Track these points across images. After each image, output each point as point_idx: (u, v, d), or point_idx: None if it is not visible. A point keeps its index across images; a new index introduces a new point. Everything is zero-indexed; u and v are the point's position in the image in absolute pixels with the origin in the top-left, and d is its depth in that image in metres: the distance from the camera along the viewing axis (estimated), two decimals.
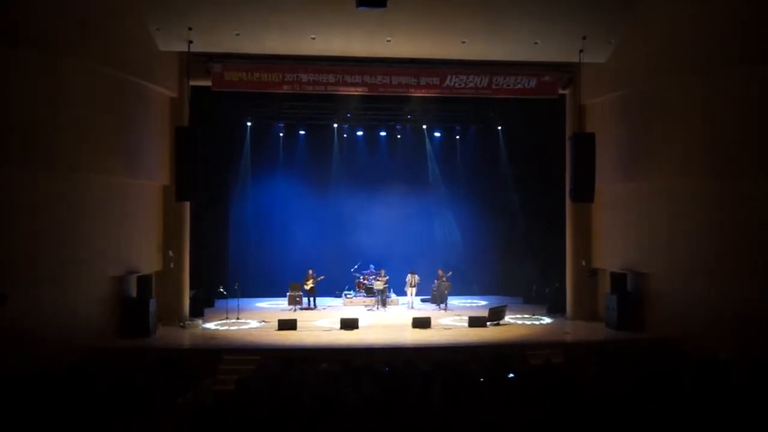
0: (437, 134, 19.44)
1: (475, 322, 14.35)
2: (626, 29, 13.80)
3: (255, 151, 18.82)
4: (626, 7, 13.36)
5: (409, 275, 17.18)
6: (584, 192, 13.64)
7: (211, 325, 14.49)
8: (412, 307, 17.07)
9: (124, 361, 10.66)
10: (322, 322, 14.89)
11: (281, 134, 18.84)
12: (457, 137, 19.57)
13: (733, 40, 11.95)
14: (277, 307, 17.30)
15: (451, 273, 17.18)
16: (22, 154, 10.90)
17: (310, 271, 16.99)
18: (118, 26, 12.75)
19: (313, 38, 13.59)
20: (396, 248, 18.87)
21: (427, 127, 19.21)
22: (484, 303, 17.88)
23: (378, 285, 17.07)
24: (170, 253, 14.66)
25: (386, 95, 15.76)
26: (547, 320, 15.33)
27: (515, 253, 18.95)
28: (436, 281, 17.45)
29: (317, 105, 17.54)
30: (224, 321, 14.81)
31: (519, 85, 15.07)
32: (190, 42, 13.31)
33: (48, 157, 11.36)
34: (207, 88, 14.57)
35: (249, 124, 18.36)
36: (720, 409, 6.82)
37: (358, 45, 14.02)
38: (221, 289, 15.69)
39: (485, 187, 19.65)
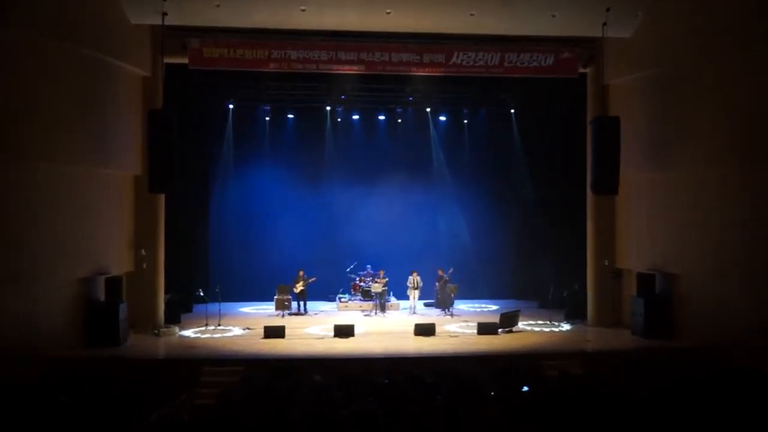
0: (442, 118, 19.46)
1: (484, 329, 14.40)
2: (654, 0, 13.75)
3: (238, 138, 18.81)
4: None
5: (410, 276, 17.20)
6: (607, 183, 13.62)
7: (189, 333, 14.57)
8: (414, 312, 17.12)
9: (92, 373, 10.65)
10: (314, 329, 14.94)
11: (267, 118, 18.85)
12: (465, 122, 19.58)
13: None
14: (263, 312, 17.33)
15: (452, 271, 17.17)
16: None
17: (301, 272, 16.99)
18: None
19: (303, 10, 13.50)
20: (396, 246, 18.91)
21: (431, 111, 19.20)
22: (494, 308, 17.94)
23: (376, 287, 17.09)
24: (143, 251, 14.66)
25: (385, 74, 15.73)
26: (565, 327, 15.40)
27: (529, 252, 18.97)
28: (437, 283, 17.51)
29: (308, 86, 17.53)
30: (204, 328, 14.91)
31: (534, 63, 15.04)
32: (165, 14, 13.21)
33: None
34: (184, 66, 14.53)
35: (231, 107, 18.36)
36: (763, 429, 6.77)
37: (354, 18, 13.94)
38: (200, 293, 15.75)
39: (496, 177, 19.67)
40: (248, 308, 17.82)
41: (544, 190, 18.74)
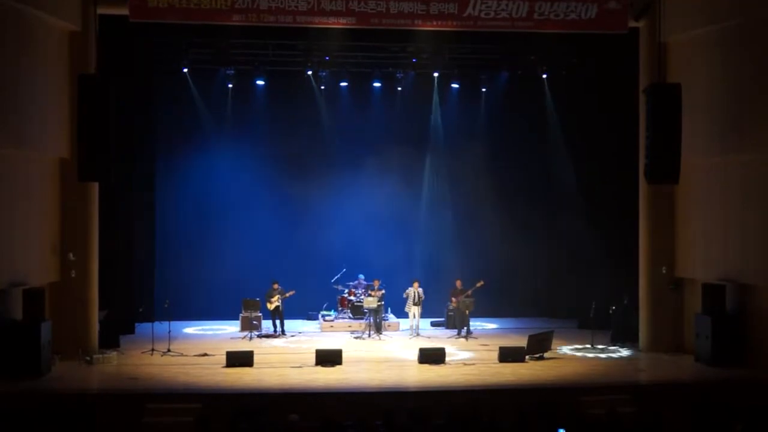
0: (454, 86, 19.42)
1: (508, 355, 14.38)
2: None
3: (193, 111, 18.76)
4: None
5: (410, 288, 17.23)
6: (665, 169, 13.56)
7: (130, 361, 14.56)
8: (417, 334, 17.14)
9: (5, 412, 10.55)
10: (291, 356, 14.94)
11: (231, 86, 18.80)
12: (483, 90, 19.56)
13: None
14: (225, 333, 17.34)
15: (482, 284, 17.12)
16: None
17: (275, 284, 16.98)
18: None
19: None
20: (395, 250, 18.87)
21: (439, 76, 19.16)
22: (519, 328, 17.93)
23: (370, 302, 17.08)
24: (71, 256, 14.65)
25: (382, 29, 15.64)
26: (611, 353, 15.40)
27: (565, 258, 18.97)
28: (453, 299, 17.45)
29: (283, 44, 17.50)
30: (150, 354, 14.91)
31: (572, 15, 14.98)
32: None
33: None
34: (123, 18, 14.44)
35: (185, 70, 18.29)
36: None
37: None
38: (142, 309, 15.84)
39: (522, 161, 19.65)
40: (206, 329, 17.80)
41: (583, 179, 18.74)
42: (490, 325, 18.50)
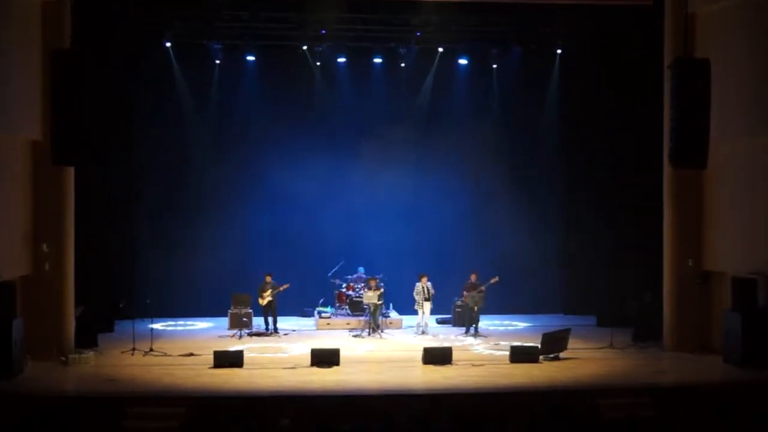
0: (462, 61, 19.36)
1: (520, 354, 14.39)
2: None
3: (177, 88, 18.66)
4: None
5: (419, 283, 17.15)
6: (692, 152, 13.19)
7: (109, 361, 14.50)
8: (423, 332, 17.12)
9: None
10: (284, 356, 14.93)
11: (218, 62, 18.73)
12: (494, 66, 19.49)
13: None
14: (212, 331, 17.32)
15: (497, 280, 17.04)
16: None
17: (268, 277, 16.95)
18: None
19: None
20: (398, 241, 18.84)
21: (445, 50, 19.07)
22: (534, 326, 17.92)
23: (370, 297, 17.00)
24: (45, 247, 14.62)
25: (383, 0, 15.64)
26: (632, 352, 15.37)
27: (582, 249, 18.89)
28: (465, 293, 17.34)
29: (275, 16, 17.42)
30: (130, 353, 14.86)
31: None
32: None
33: None
34: None
35: (168, 45, 18.24)
36: None
37: None
38: (122, 305, 15.72)
39: (536, 143, 19.56)
40: (191, 326, 17.80)
41: (602, 162, 18.68)
42: (502, 322, 18.47)
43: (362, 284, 18.00)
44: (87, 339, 15.22)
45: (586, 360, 14.64)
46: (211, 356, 13.99)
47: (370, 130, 19.10)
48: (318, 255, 18.74)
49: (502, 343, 15.80)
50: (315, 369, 13.75)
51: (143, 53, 18.31)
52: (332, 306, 18.44)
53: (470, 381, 13.08)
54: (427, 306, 17.14)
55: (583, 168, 19.21)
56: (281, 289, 16.91)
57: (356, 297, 17.93)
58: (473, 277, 17.26)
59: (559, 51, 19.05)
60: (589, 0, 15.29)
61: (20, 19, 14.19)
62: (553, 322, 17.76)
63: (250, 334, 16.75)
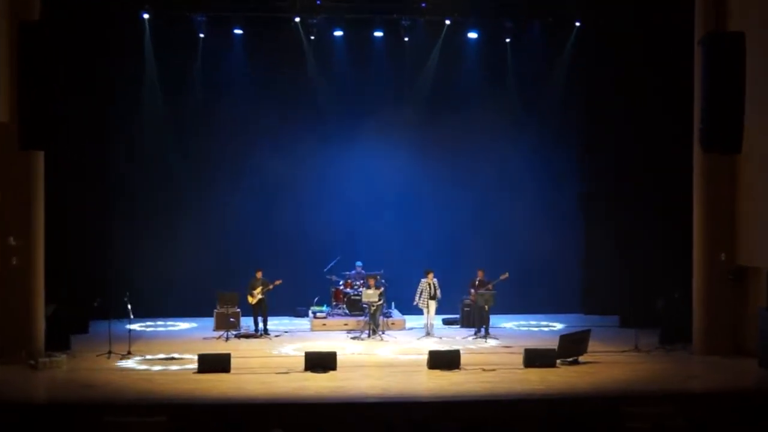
0: (472, 35, 19.31)
1: (536, 358, 14.31)
2: None
3: (157, 65, 18.66)
4: None
5: (424, 280, 17.10)
6: (725, 135, 13.11)
7: (83, 365, 14.48)
8: (428, 333, 17.09)
9: None
10: (275, 360, 14.87)
11: (202, 35, 18.66)
12: (507, 41, 19.41)
13: None
14: (196, 333, 17.39)
15: (507, 276, 17.04)
16: None
17: (259, 274, 16.99)
18: None
19: None
20: (400, 234, 18.97)
21: (453, 23, 19.00)
22: (551, 327, 18.01)
23: (370, 296, 16.87)
24: (12, 240, 14.58)
25: None
26: (659, 355, 15.32)
27: (604, 244, 18.91)
28: (471, 290, 17.34)
29: None
30: (105, 356, 14.84)
31: None
32: None
33: None
34: None
35: (146, 17, 18.24)
36: None
37: None
38: (97, 304, 15.66)
39: (554, 127, 19.50)
40: (173, 327, 17.90)
41: (625, 147, 18.69)
42: (515, 323, 18.56)
43: (361, 281, 17.96)
44: (59, 341, 15.22)
45: (608, 364, 14.58)
46: (196, 360, 13.93)
47: (370, 111, 19.19)
48: (312, 249, 18.82)
49: (515, 345, 15.72)
50: (309, 374, 13.74)
51: (118, 25, 18.12)
52: (328, 305, 18.44)
53: (480, 387, 13.02)
54: (433, 305, 17.13)
55: (605, 154, 19.21)
56: (272, 286, 16.89)
57: (354, 295, 17.90)
58: (480, 274, 17.31)
59: (577, 24, 19.03)
60: None
61: None
62: (572, 323, 17.90)
63: (238, 336, 16.75)
